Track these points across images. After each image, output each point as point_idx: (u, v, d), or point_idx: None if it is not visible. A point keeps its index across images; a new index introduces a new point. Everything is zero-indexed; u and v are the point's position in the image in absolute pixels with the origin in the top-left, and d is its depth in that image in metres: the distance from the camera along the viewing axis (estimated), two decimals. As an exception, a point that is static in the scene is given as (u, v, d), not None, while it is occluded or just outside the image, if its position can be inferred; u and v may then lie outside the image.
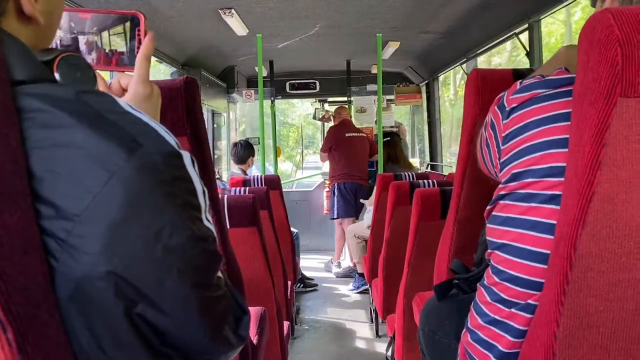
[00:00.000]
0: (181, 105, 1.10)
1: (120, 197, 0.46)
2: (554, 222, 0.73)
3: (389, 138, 4.50)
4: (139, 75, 0.70)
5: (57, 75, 0.60)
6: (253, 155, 4.27)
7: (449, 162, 5.51)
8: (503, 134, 0.80)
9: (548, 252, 0.74)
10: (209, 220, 0.55)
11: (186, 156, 0.53)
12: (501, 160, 0.82)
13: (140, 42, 0.72)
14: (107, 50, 0.73)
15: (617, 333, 0.68)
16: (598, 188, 0.64)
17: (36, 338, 0.43)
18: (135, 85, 0.70)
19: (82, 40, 0.72)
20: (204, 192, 0.55)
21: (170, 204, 0.50)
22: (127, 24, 0.73)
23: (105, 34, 0.73)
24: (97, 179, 0.46)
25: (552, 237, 0.73)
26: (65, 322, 0.46)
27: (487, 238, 0.86)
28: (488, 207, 0.86)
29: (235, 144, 4.34)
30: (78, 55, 0.64)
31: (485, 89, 1.29)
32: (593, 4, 0.92)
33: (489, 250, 0.86)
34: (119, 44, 0.73)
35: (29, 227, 0.44)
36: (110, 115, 0.49)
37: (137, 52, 0.71)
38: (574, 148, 0.68)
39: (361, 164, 4.90)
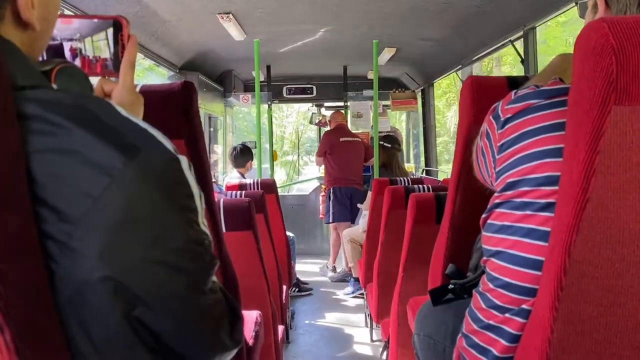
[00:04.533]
0: (179, 109, 1.11)
1: (120, 201, 0.47)
2: (549, 229, 0.74)
3: (389, 145, 4.43)
4: (125, 83, 0.70)
5: (55, 86, 0.60)
6: (252, 160, 4.26)
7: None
8: (498, 144, 0.81)
9: (542, 259, 0.75)
10: (204, 224, 0.56)
11: (183, 161, 0.53)
12: (496, 170, 0.82)
13: (123, 47, 0.71)
14: (90, 57, 0.72)
15: (610, 339, 0.68)
16: (592, 195, 0.65)
17: (34, 341, 0.43)
18: (120, 92, 0.69)
19: (66, 46, 0.72)
20: (200, 196, 0.55)
21: (169, 209, 0.50)
22: (110, 29, 0.72)
23: (89, 40, 0.72)
24: (97, 183, 0.46)
25: (546, 244, 0.74)
26: (63, 325, 0.47)
27: (483, 246, 0.86)
28: (484, 216, 0.87)
29: (234, 148, 4.34)
30: (75, 66, 0.65)
31: (480, 96, 1.29)
32: (582, 15, 0.93)
33: (484, 258, 0.86)
34: (103, 50, 0.72)
35: (28, 230, 0.44)
36: (109, 121, 0.50)
37: (121, 57, 0.71)
38: (569, 155, 0.69)
39: (356, 169, 4.91)
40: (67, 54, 0.72)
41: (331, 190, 4.86)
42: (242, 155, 4.23)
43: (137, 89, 0.72)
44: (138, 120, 0.52)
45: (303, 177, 7.82)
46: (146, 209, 0.48)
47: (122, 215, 0.47)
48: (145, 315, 0.49)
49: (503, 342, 0.80)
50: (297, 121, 15.82)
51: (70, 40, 0.72)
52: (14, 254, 0.42)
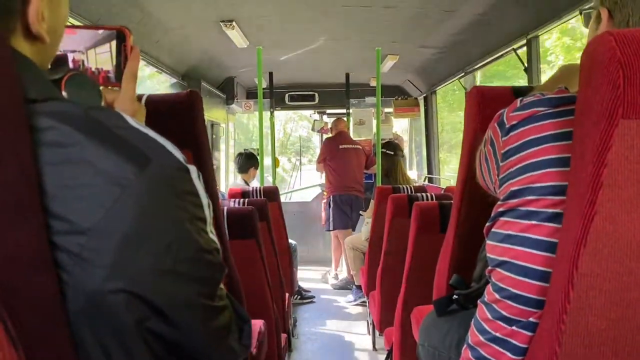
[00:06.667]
0: (185, 118, 1.11)
1: (131, 211, 0.47)
2: (555, 240, 0.74)
3: (392, 153, 4.42)
4: (127, 94, 0.70)
5: (64, 93, 0.61)
6: (255, 167, 4.32)
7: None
8: (502, 151, 0.81)
9: (549, 270, 0.74)
10: (213, 233, 0.56)
11: (193, 170, 0.54)
12: (500, 177, 0.82)
13: (126, 58, 0.72)
14: (93, 69, 0.73)
15: (618, 352, 0.68)
16: (599, 208, 0.65)
17: (46, 353, 0.43)
18: (122, 103, 0.70)
19: (70, 57, 0.72)
20: (209, 204, 0.56)
21: (179, 218, 0.51)
22: (114, 40, 0.73)
23: (91, 52, 0.73)
24: (109, 193, 0.46)
25: (553, 255, 0.74)
26: (75, 335, 0.47)
27: (488, 255, 0.86)
28: (488, 224, 0.86)
29: (239, 154, 4.44)
30: (85, 75, 0.65)
31: (485, 105, 1.30)
32: (586, 25, 0.94)
33: (489, 268, 0.86)
34: (106, 62, 0.73)
35: (41, 242, 0.44)
36: (120, 132, 0.50)
37: (124, 68, 0.71)
38: (576, 167, 0.69)
39: (356, 176, 4.92)
40: (70, 65, 0.72)
41: (331, 198, 4.87)
42: (245, 161, 4.30)
43: (143, 99, 0.73)
44: (148, 130, 0.53)
45: (292, 188, 7.70)
46: (157, 219, 0.49)
47: (134, 225, 0.47)
48: (158, 324, 0.49)
49: (509, 355, 0.79)
50: (286, 116, 14.08)
51: (74, 51, 0.72)
52: (26, 268, 0.43)
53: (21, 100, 0.46)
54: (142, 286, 0.48)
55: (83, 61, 0.73)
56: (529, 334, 0.77)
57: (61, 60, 0.71)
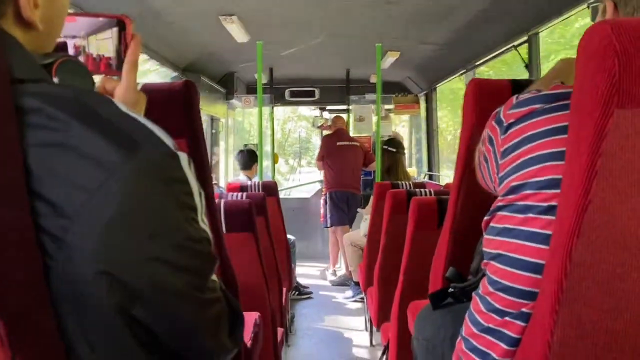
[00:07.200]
0: (180, 107, 1.11)
1: (116, 196, 0.46)
2: (550, 232, 0.73)
3: (394, 150, 4.41)
4: (127, 82, 0.69)
5: (55, 80, 0.60)
6: (257, 163, 4.37)
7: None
8: (501, 149, 0.81)
9: (543, 262, 0.74)
10: (204, 222, 0.55)
11: (183, 157, 0.53)
12: (499, 175, 0.82)
13: (127, 47, 0.71)
14: (94, 55, 0.72)
15: (611, 344, 0.68)
16: (594, 198, 0.64)
17: (28, 335, 0.43)
18: (123, 91, 0.69)
19: (70, 43, 0.71)
20: (200, 193, 0.55)
21: (167, 205, 0.50)
22: (115, 28, 0.72)
23: (92, 38, 0.72)
24: (94, 178, 0.46)
25: (547, 247, 0.74)
26: (58, 321, 0.46)
27: (484, 249, 0.86)
28: (486, 218, 0.86)
29: (240, 151, 4.56)
30: (77, 60, 0.64)
31: (484, 98, 1.29)
32: (593, 19, 0.93)
33: (485, 261, 0.86)
34: (107, 49, 0.72)
35: (25, 223, 0.44)
36: (108, 116, 0.49)
37: (124, 57, 0.70)
38: (571, 157, 0.68)
39: (352, 173, 4.92)
40: (71, 51, 0.71)
41: (328, 195, 4.89)
42: (247, 158, 4.40)
43: (139, 87, 0.72)
44: (138, 116, 0.52)
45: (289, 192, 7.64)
46: (144, 205, 0.48)
47: (119, 211, 0.46)
48: (142, 313, 0.48)
49: (503, 345, 0.79)
50: (284, 115, 13.61)
51: (74, 37, 0.71)
52: (9, 248, 0.42)
53: (6, 79, 0.46)
54: (126, 271, 0.47)
55: (84, 47, 0.72)
56: (522, 324, 0.77)
57: (63, 49, 0.71)
